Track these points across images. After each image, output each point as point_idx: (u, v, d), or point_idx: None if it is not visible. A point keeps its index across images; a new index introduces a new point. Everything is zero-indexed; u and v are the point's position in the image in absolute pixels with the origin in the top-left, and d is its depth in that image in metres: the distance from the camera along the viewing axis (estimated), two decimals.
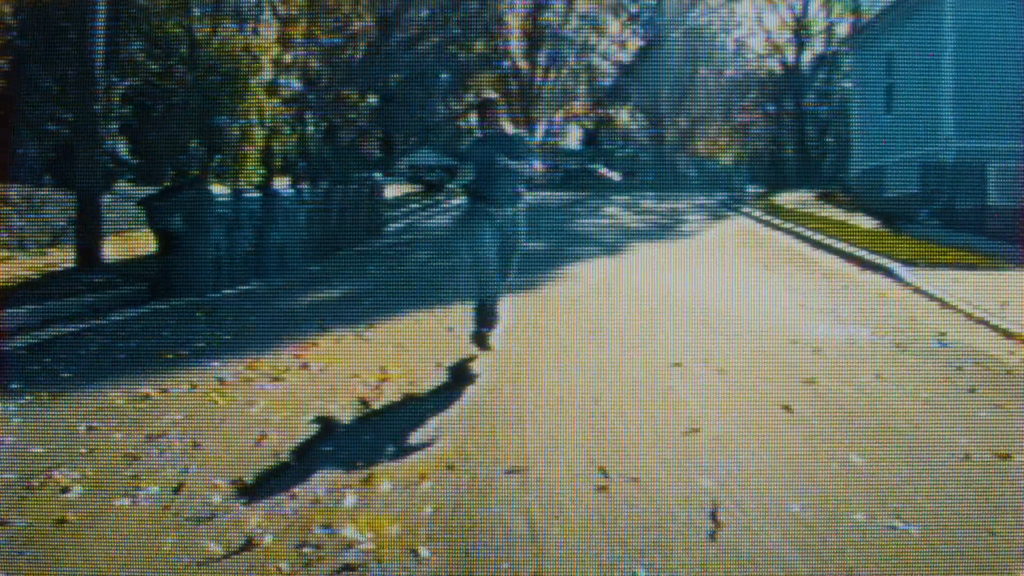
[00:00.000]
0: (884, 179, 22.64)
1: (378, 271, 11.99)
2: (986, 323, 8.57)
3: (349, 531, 3.35)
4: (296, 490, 3.77)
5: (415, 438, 4.56)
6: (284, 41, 26.03)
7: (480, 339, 6.25)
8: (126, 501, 3.71)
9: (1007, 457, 4.44)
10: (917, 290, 10.53)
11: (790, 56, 38.01)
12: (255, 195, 11.18)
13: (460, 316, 6.78)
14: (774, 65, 39.98)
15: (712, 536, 3.42)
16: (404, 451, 4.33)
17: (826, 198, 26.28)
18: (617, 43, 42.86)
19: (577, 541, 3.34)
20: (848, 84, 29.78)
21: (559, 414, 5.00)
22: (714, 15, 42.71)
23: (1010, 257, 13.39)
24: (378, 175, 17.77)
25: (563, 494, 3.78)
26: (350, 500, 3.67)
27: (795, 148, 38.62)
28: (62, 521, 3.52)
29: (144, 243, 12.41)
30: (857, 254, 13.54)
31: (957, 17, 19.09)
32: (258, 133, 20.53)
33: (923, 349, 6.97)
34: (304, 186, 13.49)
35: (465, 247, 6.35)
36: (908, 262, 12.27)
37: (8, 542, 3.34)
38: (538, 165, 6.73)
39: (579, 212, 21.40)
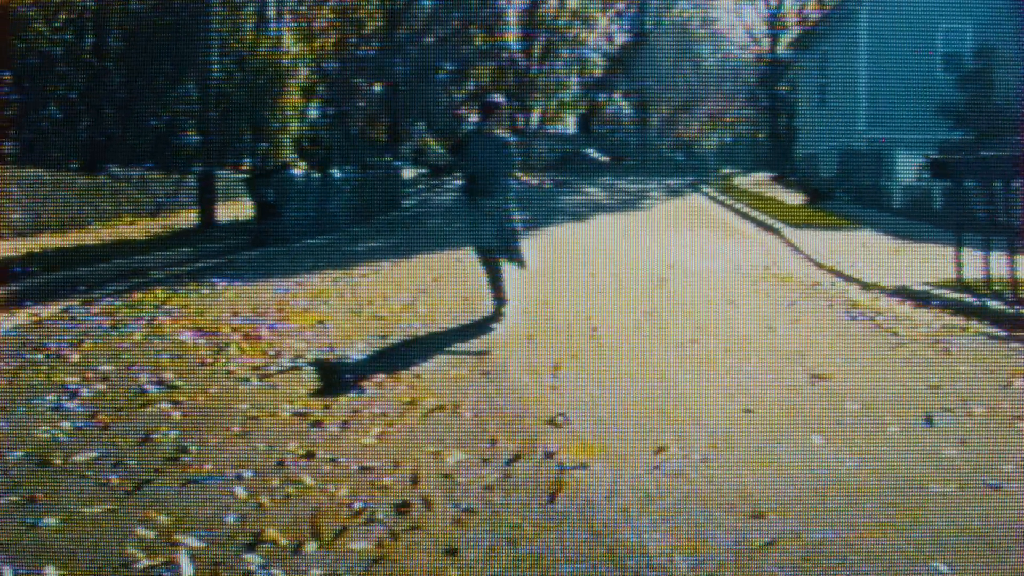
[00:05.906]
0: (818, 163, 27.02)
1: (404, 230, 16.40)
2: (813, 261, 12.96)
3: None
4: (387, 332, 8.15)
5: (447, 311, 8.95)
6: (310, 43, 30.35)
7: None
8: (327, 307, 8.28)
9: (733, 301, 8.82)
10: (788, 243, 14.87)
11: (765, 46, 41.02)
12: (317, 175, 15.54)
13: (463, 257, 11.02)
14: (749, 56, 43.65)
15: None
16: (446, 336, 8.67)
17: (777, 180, 30.55)
18: (606, 37, 47.03)
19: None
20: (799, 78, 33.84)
21: (526, 294, 9.39)
22: (696, 10, 46.83)
23: (891, 225, 17.76)
24: (396, 161, 22.15)
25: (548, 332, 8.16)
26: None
27: (767, 133, 41.87)
28: (307, 308, 8.12)
29: (230, 209, 16.83)
30: (763, 219, 17.90)
31: (871, 30, 23.40)
32: (292, 125, 24.85)
33: (750, 272, 11.31)
34: (348, 167, 17.82)
35: (466, 227, 8.40)
36: (794, 225, 16.64)
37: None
38: (521, 176, 8.20)
39: (562, 192, 25.66)
